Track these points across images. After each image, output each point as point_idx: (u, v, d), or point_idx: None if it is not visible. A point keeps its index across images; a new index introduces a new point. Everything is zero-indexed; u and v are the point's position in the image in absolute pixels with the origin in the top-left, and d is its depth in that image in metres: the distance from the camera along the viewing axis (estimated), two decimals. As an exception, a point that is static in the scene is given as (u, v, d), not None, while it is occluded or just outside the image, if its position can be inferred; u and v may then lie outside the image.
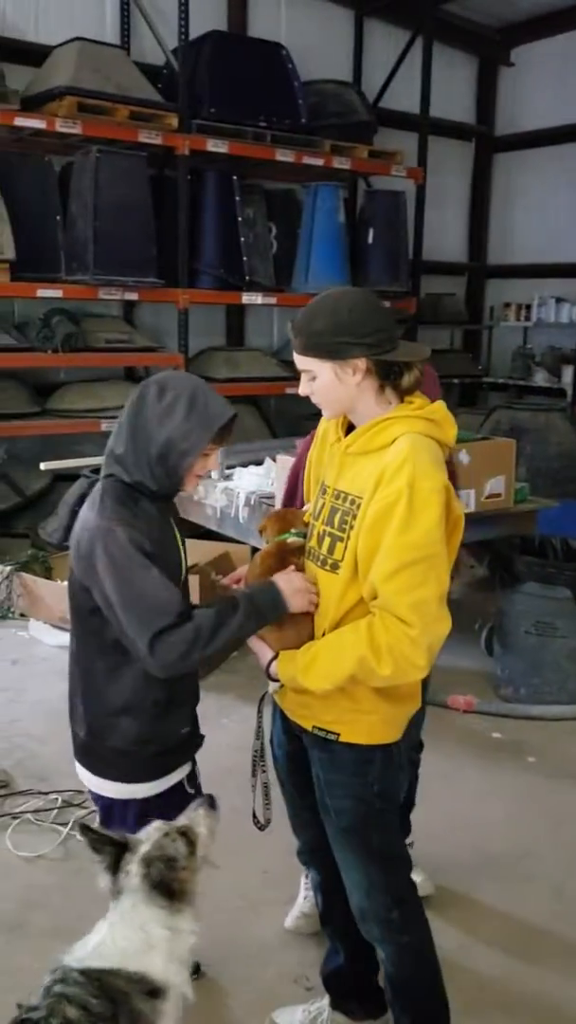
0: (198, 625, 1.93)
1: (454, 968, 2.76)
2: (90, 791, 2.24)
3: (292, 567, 2.12)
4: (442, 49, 9.41)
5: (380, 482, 1.93)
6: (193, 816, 1.99)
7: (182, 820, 1.97)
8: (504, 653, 4.75)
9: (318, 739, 2.11)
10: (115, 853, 1.86)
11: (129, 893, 1.84)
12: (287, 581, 2.04)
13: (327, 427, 2.23)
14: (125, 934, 1.81)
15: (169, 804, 2.18)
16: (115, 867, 1.85)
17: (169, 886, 1.84)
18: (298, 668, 2.00)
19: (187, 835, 1.92)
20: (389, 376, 2.02)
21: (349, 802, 2.11)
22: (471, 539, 5.03)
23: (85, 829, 1.87)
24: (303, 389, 2.09)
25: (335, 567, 2.02)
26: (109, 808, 2.20)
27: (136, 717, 2.08)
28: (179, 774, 2.20)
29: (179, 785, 2.23)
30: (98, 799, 2.22)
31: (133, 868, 1.84)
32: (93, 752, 2.16)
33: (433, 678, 4.63)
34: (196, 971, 2.59)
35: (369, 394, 2.02)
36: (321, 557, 2.06)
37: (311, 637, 2.07)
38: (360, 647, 1.90)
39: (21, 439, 6.92)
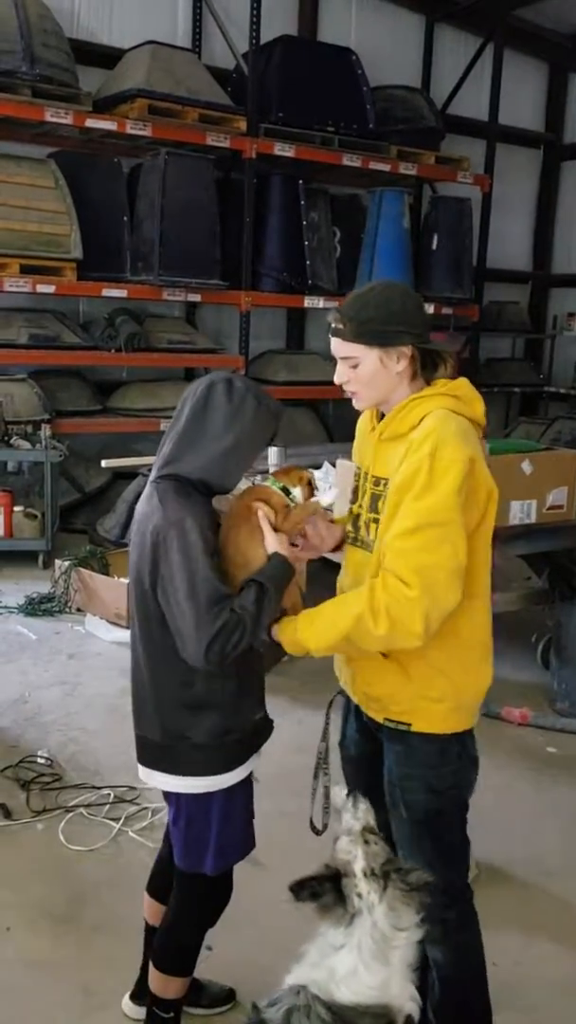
0: (242, 615, 1.95)
1: (507, 988, 2.70)
2: (167, 793, 2.21)
3: (259, 513, 2.08)
4: (512, 55, 9.34)
5: (406, 456, 1.97)
6: (356, 812, 1.94)
7: (354, 822, 1.91)
8: (561, 666, 4.66)
9: (394, 733, 2.11)
10: (334, 886, 1.78)
11: (368, 914, 1.75)
12: (280, 543, 2.05)
13: (363, 419, 2.28)
14: (371, 963, 1.72)
15: (248, 794, 2.20)
16: (339, 897, 1.77)
17: (412, 888, 1.78)
18: (298, 627, 2.01)
19: (375, 832, 1.89)
20: (426, 366, 2.08)
21: (423, 795, 2.10)
22: (531, 550, 4.96)
23: (298, 887, 1.78)
24: (340, 376, 2.12)
25: (369, 547, 2.06)
26: (188, 806, 2.16)
27: (215, 710, 2.09)
28: (252, 763, 2.21)
29: (249, 777, 2.24)
30: (176, 799, 2.18)
31: (363, 887, 1.77)
32: (172, 752, 2.13)
33: (488, 689, 4.62)
34: (230, 999, 2.57)
35: (405, 382, 2.07)
36: (365, 541, 2.10)
37: (298, 595, 2.11)
38: (360, 605, 1.91)
39: (82, 436, 7.01)
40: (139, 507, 2.10)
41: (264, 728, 2.25)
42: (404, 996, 1.78)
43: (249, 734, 2.17)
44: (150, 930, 2.43)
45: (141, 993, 2.42)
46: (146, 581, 2.03)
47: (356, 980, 1.72)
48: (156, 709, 2.12)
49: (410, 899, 1.78)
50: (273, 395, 2.17)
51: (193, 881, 2.21)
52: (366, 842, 1.86)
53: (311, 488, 2.21)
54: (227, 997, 2.56)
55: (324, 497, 2.28)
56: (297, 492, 2.16)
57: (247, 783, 2.20)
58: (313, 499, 2.22)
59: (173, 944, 2.28)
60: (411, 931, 1.80)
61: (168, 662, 2.06)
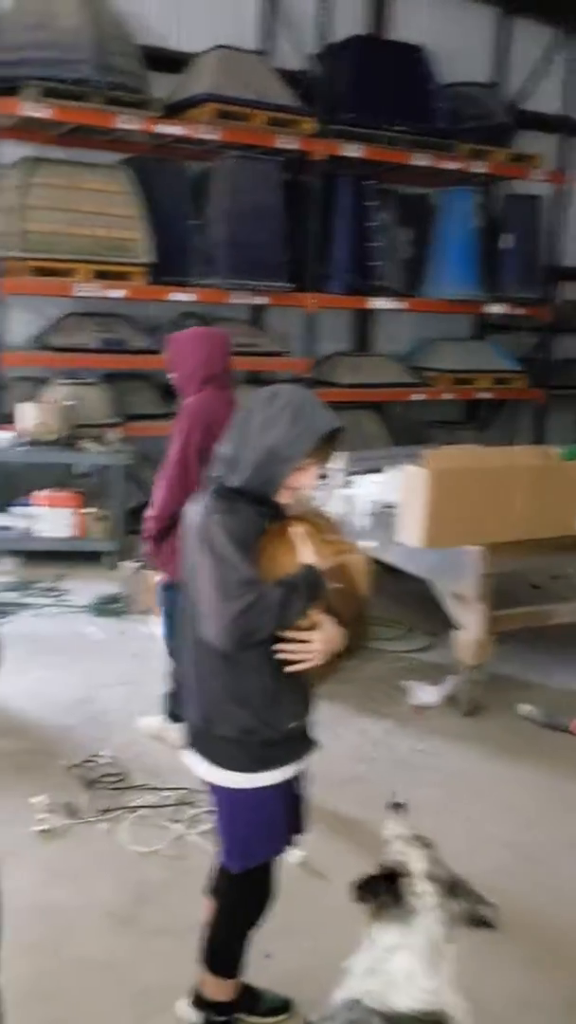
0: (269, 602, 2.01)
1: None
2: (201, 779, 2.28)
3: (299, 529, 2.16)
4: (588, 48, 9.10)
5: None
6: (402, 820, 1.99)
7: (400, 828, 1.96)
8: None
9: None
10: (391, 884, 1.81)
11: (424, 915, 1.78)
12: (307, 555, 2.11)
13: None
14: (427, 967, 1.74)
15: (277, 801, 2.21)
16: (396, 896, 1.80)
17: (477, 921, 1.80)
18: None
19: (424, 839, 1.92)
20: None
21: None
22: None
23: (362, 887, 1.81)
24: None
25: None
26: (219, 798, 2.24)
27: (244, 706, 2.14)
28: (284, 772, 2.21)
29: (288, 787, 2.24)
30: (212, 788, 2.26)
31: (421, 887, 1.80)
32: (204, 738, 2.22)
33: (555, 701, 4.53)
34: (287, 1009, 2.55)
35: None
36: None
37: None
38: None
39: (149, 439, 7.08)
40: (191, 506, 2.19)
41: (299, 740, 2.25)
42: (457, 1006, 1.76)
43: (278, 741, 2.18)
44: None
45: (198, 997, 2.44)
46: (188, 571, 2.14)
47: (414, 984, 1.72)
48: (199, 693, 2.20)
49: (466, 923, 1.76)
50: (337, 398, 2.21)
51: (232, 878, 2.26)
52: (424, 845, 1.89)
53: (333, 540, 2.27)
54: (284, 1007, 2.56)
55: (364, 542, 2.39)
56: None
57: (280, 789, 2.21)
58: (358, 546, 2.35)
59: (217, 942, 2.33)
60: (455, 946, 1.79)
61: (202, 649, 2.15)
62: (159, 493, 3.62)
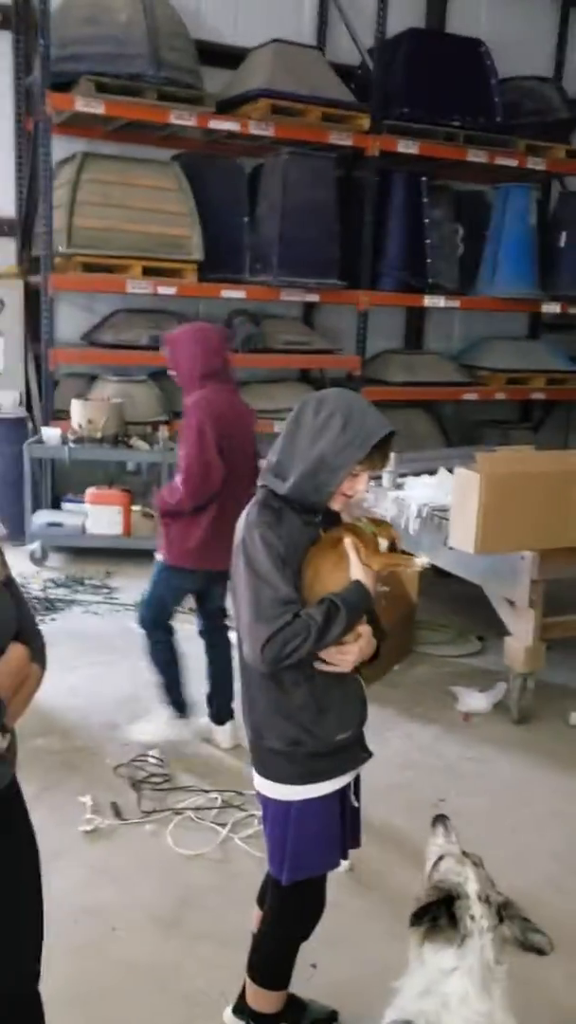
0: (307, 623, 1.98)
1: None
2: (258, 792, 2.26)
3: (347, 541, 2.13)
4: None
5: None
6: (449, 836, 1.98)
7: (448, 845, 1.95)
8: None
9: None
10: (448, 908, 1.79)
11: (478, 937, 1.76)
12: (358, 572, 2.09)
13: None
14: (480, 990, 1.72)
15: (329, 812, 2.17)
16: (452, 919, 1.78)
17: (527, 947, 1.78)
18: None
19: (474, 857, 1.90)
20: None
21: None
22: None
23: (420, 913, 1.79)
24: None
25: None
26: (269, 809, 2.21)
27: (290, 719, 2.11)
28: (334, 783, 2.17)
29: (341, 796, 2.21)
30: (263, 800, 2.23)
31: (476, 910, 1.78)
32: (255, 750, 2.21)
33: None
34: (332, 1019, 2.52)
35: None
36: None
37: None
38: None
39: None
40: (240, 521, 2.15)
41: (349, 751, 2.21)
42: None
43: (327, 752, 2.14)
44: None
45: (244, 1006, 2.41)
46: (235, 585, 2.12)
47: (468, 1007, 1.69)
48: (249, 705, 2.20)
49: (516, 947, 1.74)
50: (388, 396, 2.17)
51: (280, 890, 2.22)
52: (476, 864, 1.86)
53: (394, 548, 2.26)
54: (329, 1018, 2.52)
55: (419, 559, 2.32)
56: (384, 544, 2.20)
57: (331, 801, 2.18)
58: (413, 559, 2.29)
59: (263, 954, 2.30)
60: (505, 967, 1.77)
61: (247, 663, 2.14)
62: (178, 490, 3.67)
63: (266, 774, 2.18)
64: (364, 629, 2.12)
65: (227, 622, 3.96)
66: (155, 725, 4.03)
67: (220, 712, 4.00)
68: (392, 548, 2.21)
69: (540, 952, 1.77)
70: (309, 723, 2.11)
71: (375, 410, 2.14)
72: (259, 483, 2.16)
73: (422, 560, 2.29)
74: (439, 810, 3.57)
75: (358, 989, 2.66)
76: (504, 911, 1.81)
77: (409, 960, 1.86)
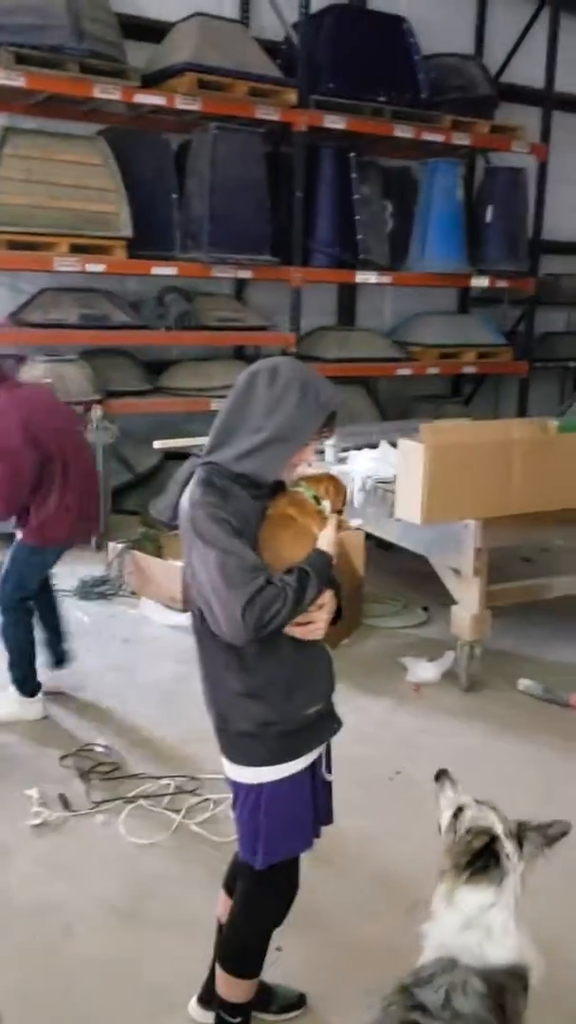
0: (283, 587, 1.92)
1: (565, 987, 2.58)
2: (225, 776, 2.18)
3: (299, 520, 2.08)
4: (570, 19, 8.96)
5: None
6: (456, 788, 2.01)
7: (461, 796, 1.98)
8: (632, 654, 4.50)
9: None
10: (491, 849, 1.85)
11: (513, 873, 1.83)
12: (326, 543, 2.05)
13: None
14: (516, 922, 1.81)
15: (302, 789, 2.12)
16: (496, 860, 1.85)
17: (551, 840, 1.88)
18: None
19: (488, 801, 1.95)
20: None
21: None
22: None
23: (470, 861, 1.83)
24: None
25: None
26: (240, 794, 2.13)
27: (258, 699, 2.04)
28: (307, 759, 2.12)
29: (311, 775, 2.15)
30: (233, 785, 2.15)
31: (508, 848, 1.84)
32: (223, 737, 2.12)
33: (554, 675, 4.46)
34: (300, 1004, 2.47)
35: None
36: None
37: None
38: None
39: (132, 416, 6.93)
40: (184, 493, 2.06)
41: (322, 725, 2.16)
42: (535, 955, 1.83)
43: (297, 729, 2.08)
44: (221, 929, 2.35)
45: (208, 996, 2.34)
46: (188, 567, 2.02)
47: (509, 937, 1.78)
48: (211, 691, 2.11)
49: (541, 853, 1.84)
50: (323, 373, 2.10)
51: (255, 875, 2.14)
52: (494, 809, 1.93)
53: (343, 499, 2.19)
54: (297, 1002, 2.47)
55: (354, 520, 2.27)
56: (327, 504, 2.13)
57: (301, 780, 2.12)
58: (347, 521, 2.23)
59: (237, 942, 2.22)
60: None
61: (210, 646, 2.06)
62: None
63: (235, 758, 2.10)
64: (326, 596, 2.06)
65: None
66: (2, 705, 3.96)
67: (60, 658, 4.22)
68: (342, 497, 2.18)
69: (564, 835, 1.87)
70: (278, 702, 2.04)
71: (326, 379, 2.09)
72: (204, 460, 2.05)
73: (356, 522, 2.27)
74: (395, 783, 3.62)
75: (324, 969, 2.62)
76: (521, 834, 1.87)
77: (433, 906, 1.88)
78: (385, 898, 2.94)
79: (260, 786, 2.08)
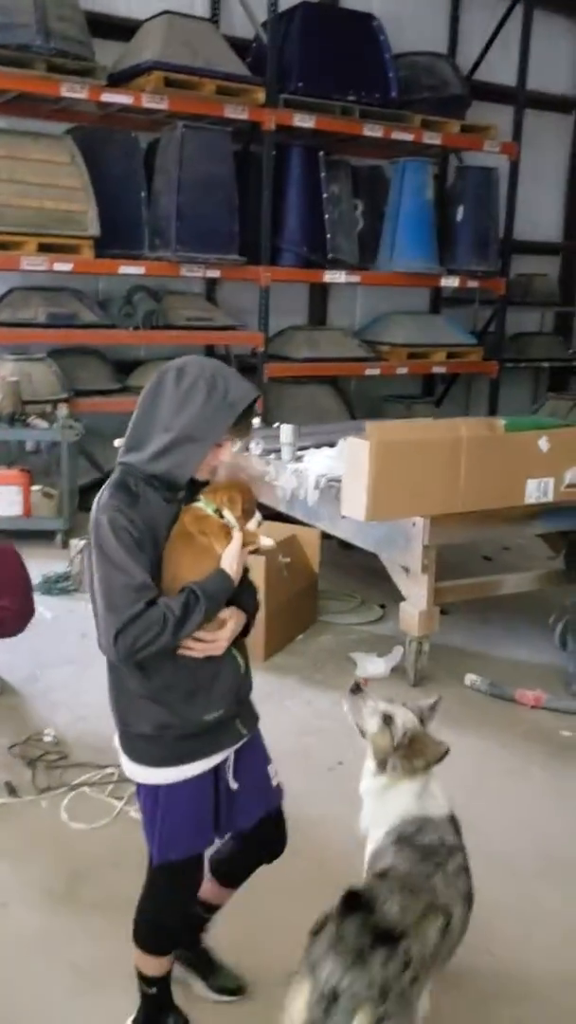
0: (164, 613, 1.90)
1: (505, 976, 2.67)
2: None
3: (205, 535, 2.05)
4: (543, 16, 9.04)
5: None
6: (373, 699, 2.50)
7: (383, 704, 2.47)
8: (578, 648, 4.59)
9: None
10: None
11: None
12: (228, 562, 2.03)
13: None
14: (438, 787, 2.44)
15: (199, 794, 2.13)
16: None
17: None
18: None
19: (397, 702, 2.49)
20: None
21: None
22: (549, 529, 4.87)
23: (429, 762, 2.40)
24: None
25: None
26: (141, 791, 2.18)
27: (156, 701, 2.05)
28: (205, 763, 2.12)
29: (213, 780, 2.17)
30: (136, 783, 2.21)
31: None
32: (122, 736, 2.15)
33: (501, 671, 4.55)
34: (238, 993, 2.51)
35: None
36: None
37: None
38: None
39: (101, 415, 6.99)
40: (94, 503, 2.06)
41: (223, 731, 2.14)
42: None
43: (195, 733, 2.08)
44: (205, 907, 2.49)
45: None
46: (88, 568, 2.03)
47: (444, 795, 2.41)
48: (110, 693, 2.13)
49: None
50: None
51: (152, 868, 2.22)
52: (403, 705, 2.48)
53: (249, 506, 2.11)
54: (235, 990, 2.51)
55: (264, 540, 2.17)
56: (229, 516, 2.07)
57: (201, 782, 2.13)
58: (260, 539, 2.15)
59: (140, 921, 2.28)
60: None
61: None
62: None
63: (134, 758, 2.13)
64: (227, 612, 2.06)
65: None
66: None
67: None
68: (245, 510, 2.10)
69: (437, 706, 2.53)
70: (177, 705, 2.04)
71: (239, 376, 2.08)
72: (118, 460, 2.06)
73: (267, 542, 2.19)
74: (336, 773, 3.70)
75: (255, 947, 2.70)
76: (423, 717, 2.48)
77: (362, 797, 2.46)
78: (320, 883, 3.01)
79: (157, 786, 2.12)
